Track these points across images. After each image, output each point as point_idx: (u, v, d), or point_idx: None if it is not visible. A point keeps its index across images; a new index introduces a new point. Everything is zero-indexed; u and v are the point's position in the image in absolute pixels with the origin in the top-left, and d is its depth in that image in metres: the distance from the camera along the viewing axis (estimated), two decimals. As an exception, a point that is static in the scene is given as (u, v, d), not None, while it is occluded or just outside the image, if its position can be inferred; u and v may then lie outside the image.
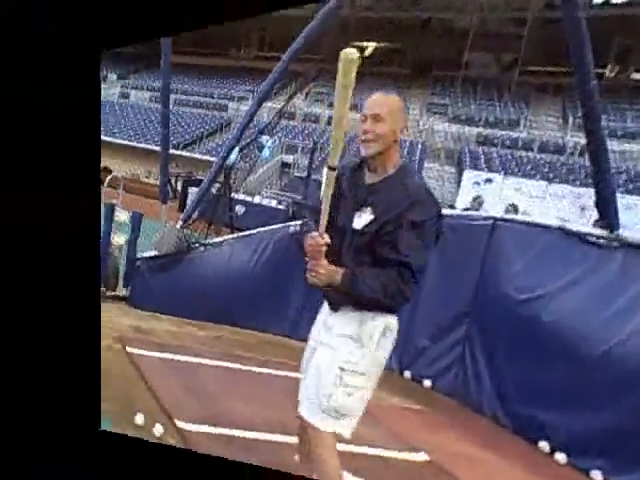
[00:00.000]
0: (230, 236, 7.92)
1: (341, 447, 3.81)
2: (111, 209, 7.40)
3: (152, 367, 5.02)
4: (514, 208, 12.94)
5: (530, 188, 20.26)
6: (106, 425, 3.54)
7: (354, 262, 2.50)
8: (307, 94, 32.17)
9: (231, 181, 10.52)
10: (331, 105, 31.78)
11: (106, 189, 8.62)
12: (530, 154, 24.28)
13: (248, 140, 10.85)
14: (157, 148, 19.41)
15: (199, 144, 29.62)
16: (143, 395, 4.41)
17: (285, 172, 25.08)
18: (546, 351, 4.80)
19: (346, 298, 2.51)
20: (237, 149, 5.74)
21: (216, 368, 5.42)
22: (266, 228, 6.92)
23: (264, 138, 14.76)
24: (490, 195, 18.55)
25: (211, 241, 7.55)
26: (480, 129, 26.67)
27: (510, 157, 24.19)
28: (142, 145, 29.59)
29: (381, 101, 2.53)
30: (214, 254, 7.19)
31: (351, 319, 2.55)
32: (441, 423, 5.12)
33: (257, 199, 17.96)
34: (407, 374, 5.95)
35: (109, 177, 9.02)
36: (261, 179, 23.33)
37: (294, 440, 3.17)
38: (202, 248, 7.14)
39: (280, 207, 16.81)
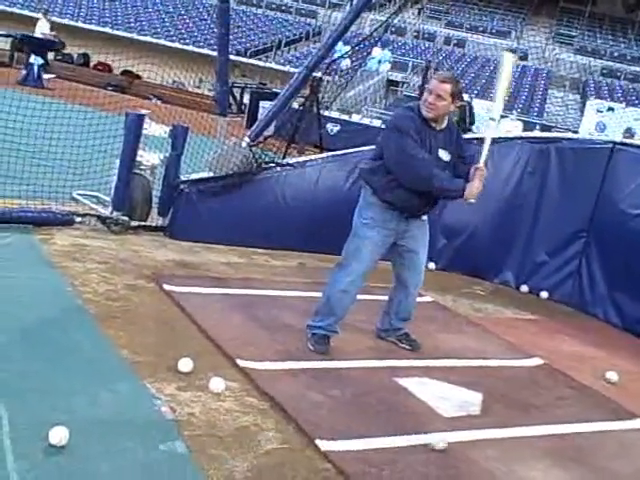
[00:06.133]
0: (319, 155, 7.28)
1: (455, 362, 4.30)
2: (137, 120, 5.88)
3: (203, 305, 4.47)
4: (630, 132, 14.33)
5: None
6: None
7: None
8: (420, 10, 30.24)
9: (320, 96, 9.63)
10: (448, 24, 29.98)
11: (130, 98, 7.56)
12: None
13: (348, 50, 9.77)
14: (211, 52, 16.84)
15: (275, 53, 26.16)
16: (187, 339, 3.89)
17: (392, 91, 23.51)
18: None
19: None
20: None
21: (296, 299, 4.92)
22: (366, 148, 6.20)
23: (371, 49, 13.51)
24: (611, 123, 20.00)
25: (291, 161, 6.87)
26: (604, 62, 27.88)
27: (632, 89, 25.54)
28: (189, 48, 24.65)
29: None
30: (296, 175, 6.50)
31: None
32: (556, 329, 5.61)
33: (356, 117, 16.86)
34: (524, 288, 6.56)
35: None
36: (361, 96, 21.86)
37: (385, 364, 4.06)
38: (279, 169, 6.46)
39: (384, 127, 15.56)
